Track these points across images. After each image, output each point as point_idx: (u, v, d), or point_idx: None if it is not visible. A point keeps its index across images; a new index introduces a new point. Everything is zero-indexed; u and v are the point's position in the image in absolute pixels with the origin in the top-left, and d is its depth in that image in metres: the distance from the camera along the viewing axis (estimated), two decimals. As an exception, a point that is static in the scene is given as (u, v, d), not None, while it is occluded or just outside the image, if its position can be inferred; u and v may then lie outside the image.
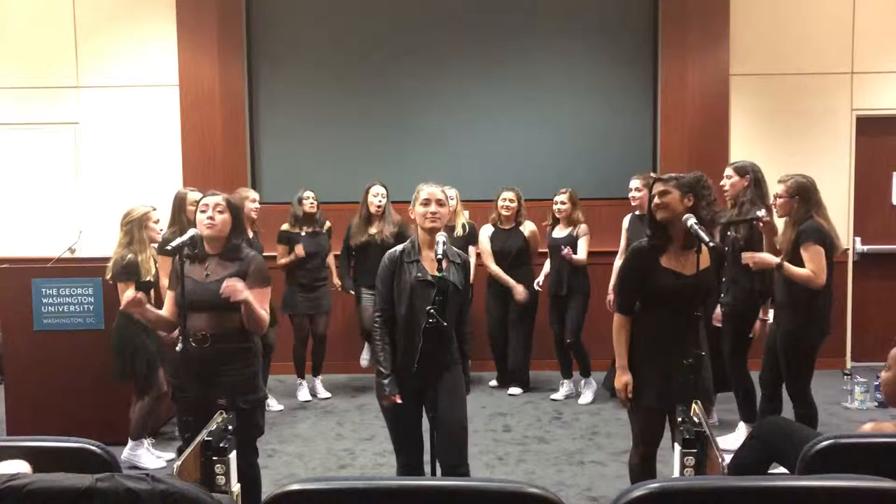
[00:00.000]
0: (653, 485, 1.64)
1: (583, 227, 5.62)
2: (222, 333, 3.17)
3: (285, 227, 5.71)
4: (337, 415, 5.46)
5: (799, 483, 1.76)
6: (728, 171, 4.63)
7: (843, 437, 2.22)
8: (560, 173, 6.43)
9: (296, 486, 1.67)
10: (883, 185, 6.66)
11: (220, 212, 3.23)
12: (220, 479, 2.49)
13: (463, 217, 5.94)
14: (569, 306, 5.60)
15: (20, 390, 4.85)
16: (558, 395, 5.75)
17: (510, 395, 5.86)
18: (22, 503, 1.66)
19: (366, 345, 6.04)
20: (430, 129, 6.74)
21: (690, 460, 2.56)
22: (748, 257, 4.09)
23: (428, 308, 3.08)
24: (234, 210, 3.30)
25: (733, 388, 4.65)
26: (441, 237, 3.16)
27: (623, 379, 3.21)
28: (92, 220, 6.60)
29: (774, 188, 4.32)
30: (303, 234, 5.68)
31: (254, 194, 5.46)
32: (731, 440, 4.43)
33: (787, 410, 4.32)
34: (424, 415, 3.30)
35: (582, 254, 5.55)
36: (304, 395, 5.84)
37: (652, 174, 5.45)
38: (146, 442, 4.55)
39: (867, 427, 2.69)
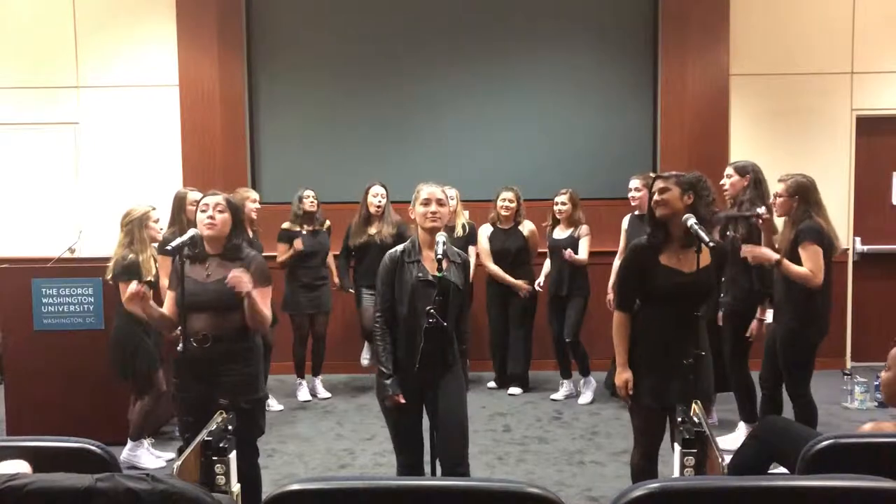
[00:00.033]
0: (653, 485, 1.64)
1: (584, 228, 5.62)
2: (223, 333, 3.17)
3: (286, 225, 5.73)
4: (337, 415, 5.46)
5: (799, 483, 1.77)
6: (728, 170, 4.64)
7: (843, 437, 2.22)
8: (560, 173, 6.43)
9: (296, 486, 1.67)
10: (883, 185, 6.66)
11: (221, 211, 3.23)
12: (220, 479, 2.50)
13: (463, 217, 5.94)
14: (568, 306, 5.61)
15: (20, 390, 4.84)
16: (558, 395, 5.76)
17: (510, 395, 5.86)
18: (22, 503, 1.66)
19: (366, 344, 6.04)
20: (430, 129, 6.74)
21: (690, 460, 2.57)
22: (748, 251, 4.10)
23: (428, 308, 3.09)
24: (235, 210, 3.30)
25: (733, 388, 4.65)
26: (441, 237, 3.16)
27: (623, 376, 3.21)
28: (92, 220, 6.60)
29: (774, 188, 4.32)
30: (303, 232, 5.69)
31: (254, 194, 5.48)
32: (731, 440, 4.43)
33: (788, 410, 4.32)
34: (425, 415, 3.31)
35: (583, 254, 5.55)
36: (303, 395, 5.84)
37: (652, 174, 5.45)
38: (146, 442, 4.55)
39: (867, 427, 2.69)
